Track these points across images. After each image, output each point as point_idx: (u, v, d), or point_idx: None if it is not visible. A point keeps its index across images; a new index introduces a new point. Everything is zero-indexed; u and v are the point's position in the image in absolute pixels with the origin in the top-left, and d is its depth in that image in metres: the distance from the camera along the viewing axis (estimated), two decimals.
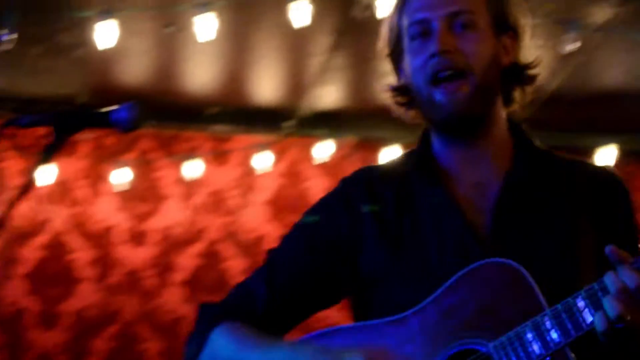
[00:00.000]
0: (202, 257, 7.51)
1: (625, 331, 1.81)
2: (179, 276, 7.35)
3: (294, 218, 7.23)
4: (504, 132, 2.19)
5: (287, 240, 2.27)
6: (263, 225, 7.69)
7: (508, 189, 2.10)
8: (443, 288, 1.99)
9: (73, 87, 6.71)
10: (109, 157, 7.22)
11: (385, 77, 6.65)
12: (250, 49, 6.46)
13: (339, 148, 7.46)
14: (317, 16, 5.54)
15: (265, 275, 2.20)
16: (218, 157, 7.66)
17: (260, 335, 2.13)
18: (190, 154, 7.48)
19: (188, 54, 6.49)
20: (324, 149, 7.31)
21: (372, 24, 5.29)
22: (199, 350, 2.16)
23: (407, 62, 2.14)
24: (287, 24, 5.43)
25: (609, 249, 1.83)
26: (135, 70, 6.77)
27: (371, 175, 2.24)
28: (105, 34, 5.31)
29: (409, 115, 2.23)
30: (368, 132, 7.55)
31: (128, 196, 7.28)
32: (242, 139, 7.54)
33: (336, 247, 2.18)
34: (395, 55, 2.21)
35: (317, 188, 7.67)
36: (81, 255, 7.26)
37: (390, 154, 7.19)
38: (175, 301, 7.27)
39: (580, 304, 1.84)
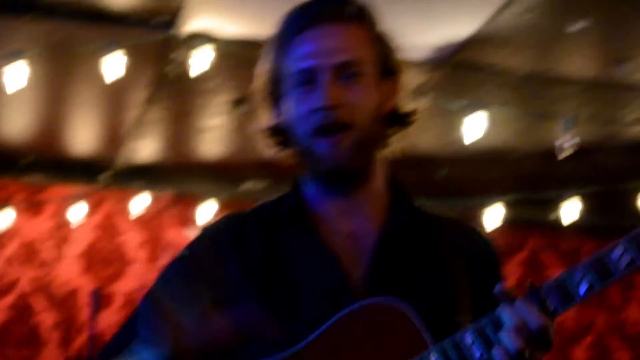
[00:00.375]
0: (12, 309, 7.29)
1: None
2: None
3: (109, 271, 7.14)
4: (381, 184, 2.08)
5: (148, 313, 2.04)
6: (76, 279, 7.56)
7: (384, 242, 2.01)
8: (320, 331, 1.88)
9: None
10: None
11: (202, 134, 6.64)
12: (66, 99, 6.43)
13: (155, 202, 7.53)
14: (133, 70, 5.51)
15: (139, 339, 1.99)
16: (32, 207, 7.54)
17: None
18: (2, 203, 7.16)
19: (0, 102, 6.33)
20: (140, 203, 7.32)
21: (187, 81, 5.70)
22: None
23: (289, 108, 2.00)
24: (102, 77, 5.36)
25: (498, 287, 1.76)
26: None
27: (237, 223, 2.09)
28: None
29: (282, 155, 2.08)
30: (184, 186, 7.67)
31: None
32: (57, 190, 7.45)
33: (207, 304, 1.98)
34: (274, 97, 2.06)
35: (133, 242, 7.73)
36: None
37: (206, 209, 7.46)
38: None
39: (468, 339, 1.77)
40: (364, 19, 2.02)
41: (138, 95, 6.16)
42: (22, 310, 7.38)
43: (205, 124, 6.73)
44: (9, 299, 7.33)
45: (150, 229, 7.65)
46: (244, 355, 1.99)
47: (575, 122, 6.12)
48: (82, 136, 7.14)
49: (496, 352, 1.72)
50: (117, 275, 7.56)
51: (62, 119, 6.82)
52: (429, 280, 2.00)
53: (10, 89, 5.39)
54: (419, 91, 5.93)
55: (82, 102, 6.41)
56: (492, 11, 5.17)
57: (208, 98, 6.28)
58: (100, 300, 6.80)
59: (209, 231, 2.14)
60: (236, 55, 5.49)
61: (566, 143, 5.84)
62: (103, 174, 7.41)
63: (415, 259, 2.03)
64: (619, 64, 5.79)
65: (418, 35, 5.44)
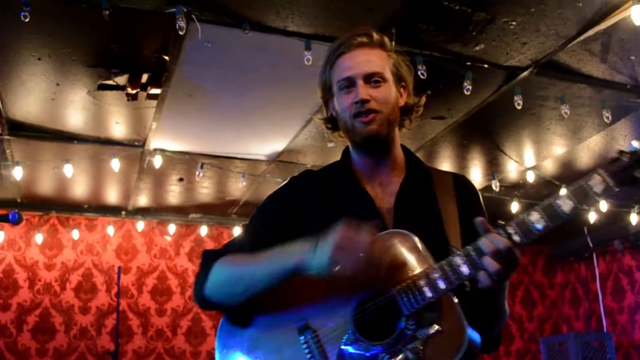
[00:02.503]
0: None
1: (500, 281, 1.55)
2: None
3: None
4: (399, 150, 1.91)
5: (255, 217, 1.92)
6: None
7: (403, 187, 1.84)
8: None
9: None
10: None
11: (169, 193, 6.78)
12: (102, 173, 6.23)
13: (148, 225, 7.48)
14: (127, 167, 5.89)
15: (248, 235, 1.89)
16: None
17: (250, 255, 1.77)
18: None
19: None
20: (141, 225, 7.37)
21: (155, 170, 5.92)
22: (205, 278, 1.79)
23: (337, 103, 1.85)
24: (114, 170, 5.66)
25: (478, 220, 1.57)
26: None
27: (310, 176, 1.94)
28: None
29: (334, 135, 1.97)
30: (162, 217, 7.57)
31: None
32: None
33: (287, 219, 1.85)
34: (326, 97, 1.91)
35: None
36: None
37: (172, 228, 7.33)
38: None
39: (459, 260, 1.56)
40: (384, 46, 1.86)
41: (133, 177, 6.30)
42: None
43: (168, 188, 6.69)
44: None
45: (148, 237, 7.55)
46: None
47: None
48: (111, 194, 6.88)
49: (483, 277, 1.53)
50: (131, 258, 7.45)
51: (99, 187, 6.63)
52: (431, 214, 1.81)
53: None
54: (263, 174, 6.14)
55: (108, 179, 6.38)
56: (292, 136, 5.44)
57: (167, 177, 6.38)
58: (122, 271, 6.80)
59: (293, 180, 1.95)
60: (176, 158, 5.85)
61: None
62: (122, 212, 7.41)
63: (423, 198, 1.84)
64: None
65: (258, 148, 5.75)
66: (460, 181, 1.90)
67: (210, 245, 7.89)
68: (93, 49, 4.05)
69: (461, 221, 1.76)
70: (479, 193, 1.92)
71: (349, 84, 1.80)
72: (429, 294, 1.57)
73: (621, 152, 1.49)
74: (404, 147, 1.93)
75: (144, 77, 4.44)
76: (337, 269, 1.53)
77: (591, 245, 8.05)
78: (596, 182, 1.48)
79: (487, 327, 1.66)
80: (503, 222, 1.54)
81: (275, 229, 1.83)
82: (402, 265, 1.62)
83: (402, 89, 1.87)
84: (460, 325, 1.52)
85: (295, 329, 1.67)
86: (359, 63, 1.80)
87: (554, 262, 8.97)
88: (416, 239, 1.64)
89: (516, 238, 1.52)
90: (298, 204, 1.85)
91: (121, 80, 4.46)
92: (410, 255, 1.63)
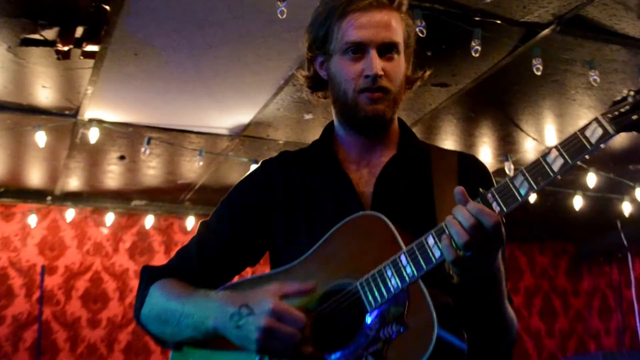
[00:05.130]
0: None
1: (471, 261, 1.50)
2: None
3: (54, 252, 7.53)
4: (395, 126, 1.94)
5: (215, 213, 1.97)
6: (35, 258, 7.41)
7: (387, 169, 1.86)
8: (321, 241, 1.74)
9: None
10: None
11: (105, 173, 6.90)
12: (22, 156, 6.46)
13: (80, 213, 7.69)
14: (57, 139, 5.99)
15: (198, 241, 1.92)
16: (6, 217, 7.33)
17: (184, 288, 1.82)
18: None
19: None
20: (71, 214, 7.57)
21: (90, 145, 5.97)
22: (141, 304, 1.86)
23: (337, 66, 1.84)
24: (37, 144, 5.70)
25: (457, 189, 1.51)
26: None
27: (285, 159, 1.98)
28: None
29: (313, 97, 1.99)
30: (97, 204, 7.72)
31: None
32: (21, 207, 7.41)
33: (254, 214, 1.90)
34: (316, 52, 1.91)
35: (69, 236, 7.68)
36: None
37: (110, 217, 7.52)
38: None
39: (430, 241, 1.54)
40: (401, 9, 1.86)
41: (62, 154, 6.34)
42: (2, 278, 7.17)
43: (106, 168, 6.77)
44: None
45: (80, 229, 7.67)
46: (281, 254, 1.87)
47: None
48: (34, 175, 7.03)
49: (446, 249, 1.50)
50: (58, 255, 7.54)
51: (19, 166, 6.77)
52: (421, 197, 1.81)
53: None
54: (225, 152, 6.26)
55: (31, 156, 6.47)
56: (261, 106, 5.49)
57: (104, 154, 6.42)
58: (46, 271, 7.31)
59: (265, 164, 2.00)
60: (117, 131, 5.89)
61: None
62: (48, 197, 7.50)
63: (413, 180, 1.85)
64: None
65: (219, 121, 5.80)
66: (466, 161, 1.92)
67: (157, 239, 7.92)
68: None
69: None
70: (492, 177, 1.92)
71: (360, 50, 1.80)
72: (394, 284, 1.56)
73: (629, 90, 1.45)
74: (400, 121, 1.97)
75: (79, 31, 4.43)
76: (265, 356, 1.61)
77: (625, 243, 8.12)
78: (592, 130, 1.43)
79: (486, 334, 1.66)
80: (482, 190, 1.51)
81: (232, 232, 1.90)
82: (370, 253, 1.64)
83: (407, 58, 1.91)
84: (430, 321, 1.49)
85: None
86: (377, 28, 1.80)
87: (580, 263, 9.26)
88: (389, 223, 1.64)
89: (495, 206, 1.47)
90: (268, 195, 1.91)
91: (50, 34, 4.44)
92: (381, 242, 1.63)
